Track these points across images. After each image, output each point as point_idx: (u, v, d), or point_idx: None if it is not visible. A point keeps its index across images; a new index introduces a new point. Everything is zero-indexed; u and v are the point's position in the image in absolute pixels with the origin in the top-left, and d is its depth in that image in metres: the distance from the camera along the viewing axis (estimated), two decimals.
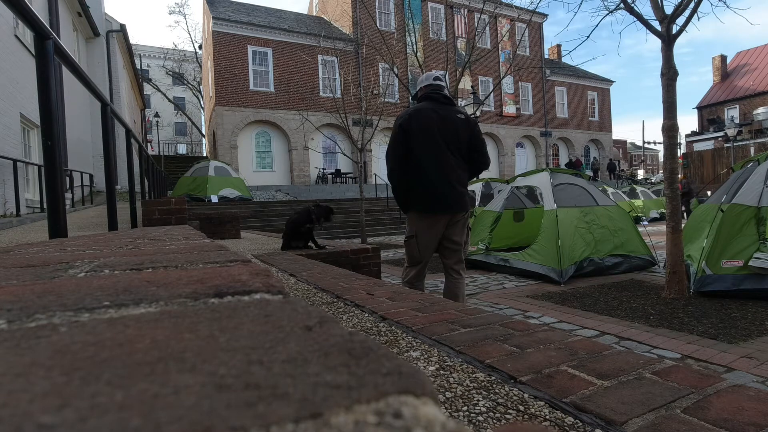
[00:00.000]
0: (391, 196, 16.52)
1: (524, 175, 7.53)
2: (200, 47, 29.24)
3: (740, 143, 25.56)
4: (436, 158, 2.78)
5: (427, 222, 2.87)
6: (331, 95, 13.97)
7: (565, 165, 26.99)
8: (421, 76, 3.09)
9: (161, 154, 27.19)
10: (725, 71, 32.20)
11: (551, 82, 28.25)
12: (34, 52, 1.92)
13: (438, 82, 2.98)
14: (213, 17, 19.02)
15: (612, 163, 29.12)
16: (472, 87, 16.38)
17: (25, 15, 1.79)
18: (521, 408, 0.89)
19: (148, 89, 32.91)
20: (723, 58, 32.30)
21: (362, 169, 11.49)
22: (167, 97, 33.93)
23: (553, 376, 1.02)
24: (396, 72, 9.80)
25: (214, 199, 14.05)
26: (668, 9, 4.47)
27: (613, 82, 30.78)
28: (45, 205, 4.71)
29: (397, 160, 2.82)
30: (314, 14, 26.83)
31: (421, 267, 2.99)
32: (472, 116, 13.69)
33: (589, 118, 29.86)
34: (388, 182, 2.97)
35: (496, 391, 0.98)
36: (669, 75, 4.47)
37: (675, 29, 4.47)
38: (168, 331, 0.32)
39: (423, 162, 2.78)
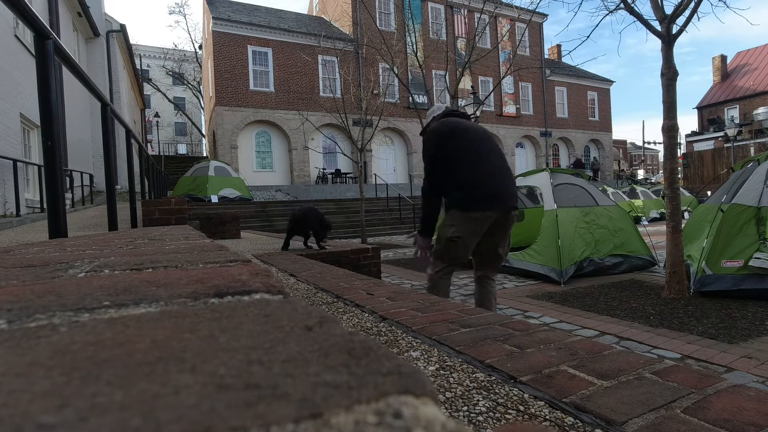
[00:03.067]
0: (392, 196, 16.49)
1: (524, 175, 7.53)
2: (200, 47, 29.26)
3: (740, 143, 25.57)
4: (485, 155, 2.68)
5: (474, 222, 2.66)
6: (331, 95, 13.97)
7: (571, 165, 26.86)
8: (432, 108, 3.03)
9: (161, 154, 27.19)
10: (725, 71, 32.19)
11: (551, 82, 28.25)
12: (34, 52, 1.92)
13: (452, 109, 2.99)
14: (213, 17, 19.02)
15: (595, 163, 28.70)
16: (472, 87, 16.38)
17: (25, 15, 1.79)
18: (521, 408, 0.89)
19: (148, 89, 32.92)
20: (723, 58, 32.30)
21: (362, 169, 11.49)
22: (167, 97, 33.93)
23: (553, 376, 1.02)
24: (396, 72, 9.80)
25: (214, 199, 14.05)
26: (668, 9, 4.47)
27: (613, 82, 30.79)
28: (45, 205, 4.71)
29: (437, 174, 2.68)
30: (314, 14, 26.83)
31: (456, 265, 2.83)
32: (472, 116, 13.63)
33: (589, 118, 29.86)
34: (421, 195, 2.80)
35: (496, 391, 0.98)
36: (669, 75, 4.47)
37: (675, 29, 4.47)
38: (168, 331, 0.32)
39: (470, 159, 2.65)
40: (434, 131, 2.74)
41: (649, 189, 18.35)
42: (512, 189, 2.74)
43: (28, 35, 8.10)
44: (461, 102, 14.12)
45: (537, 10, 7.86)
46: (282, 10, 24.28)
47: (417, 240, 2.87)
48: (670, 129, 4.57)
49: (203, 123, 31.75)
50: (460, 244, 2.70)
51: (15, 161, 6.97)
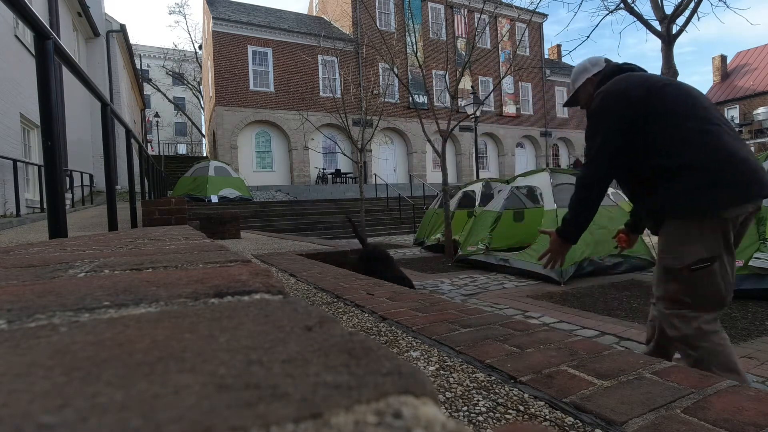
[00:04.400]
0: (392, 196, 16.41)
1: (524, 175, 7.53)
2: (200, 47, 29.27)
3: None
4: (716, 118, 1.67)
5: (729, 227, 1.61)
6: (331, 95, 13.99)
7: (571, 165, 26.84)
8: (582, 64, 2.01)
9: (161, 154, 27.21)
10: (725, 71, 32.21)
11: (551, 82, 28.26)
12: (34, 52, 1.92)
13: (620, 63, 1.96)
14: (213, 17, 19.03)
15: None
16: (472, 87, 16.37)
17: (25, 15, 1.79)
18: (521, 408, 0.89)
19: (148, 89, 32.94)
20: (723, 58, 32.31)
21: (362, 169, 11.50)
22: (167, 97, 33.95)
23: (553, 376, 1.02)
24: (396, 72, 9.80)
25: (214, 199, 14.05)
26: (668, 9, 4.49)
27: None
28: (45, 205, 4.71)
29: (619, 157, 1.73)
30: (314, 14, 26.85)
31: (721, 309, 1.67)
32: (471, 117, 13.49)
33: None
34: (577, 185, 1.91)
35: (496, 391, 0.98)
36: (669, 75, 4.47)
37: (675, 29, 4.48)
38: (168, 331, 0.32)
39: (696, 126, 1.63)
40: (613, 93, 1.74)
41: None
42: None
43: (28, 35, 8.10)
44: (461, 102, 14.12)
45: (537, 10, 7.87)
46: (282, 10, 24.30)
47: (552, 243, 1.99)
48: None
49: (203, 123, 31.77)
50: (717, 270, 1.60)
51: (15, 161, 6.97)
